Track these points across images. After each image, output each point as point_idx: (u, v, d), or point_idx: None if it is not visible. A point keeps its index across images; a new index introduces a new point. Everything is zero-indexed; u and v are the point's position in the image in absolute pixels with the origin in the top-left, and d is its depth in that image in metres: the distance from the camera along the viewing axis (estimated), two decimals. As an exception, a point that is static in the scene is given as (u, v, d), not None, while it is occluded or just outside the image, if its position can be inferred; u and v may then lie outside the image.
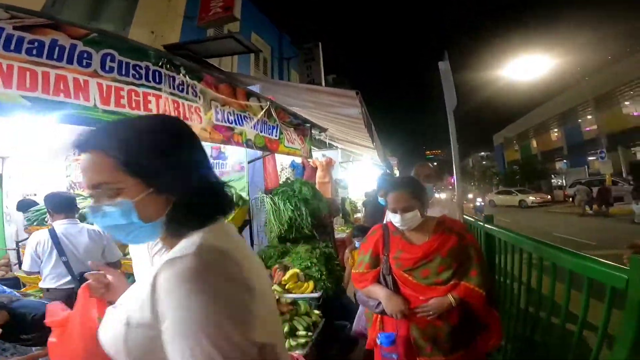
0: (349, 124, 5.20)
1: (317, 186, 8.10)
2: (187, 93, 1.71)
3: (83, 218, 3.67)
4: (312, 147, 8.47)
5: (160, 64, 1.59)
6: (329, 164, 8.13)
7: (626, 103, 23.95)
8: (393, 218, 1.78)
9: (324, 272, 3.15)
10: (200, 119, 1.76)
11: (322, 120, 6.00)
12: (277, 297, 2.80)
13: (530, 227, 12.52)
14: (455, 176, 3.32)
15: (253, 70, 9.39)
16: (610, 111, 23.27)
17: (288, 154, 2.55)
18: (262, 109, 2.19)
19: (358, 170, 9.65)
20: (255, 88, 4.30)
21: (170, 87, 1.61)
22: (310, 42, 10.51)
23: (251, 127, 2.08)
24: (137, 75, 1.47)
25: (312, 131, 3.58)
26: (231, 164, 3.68)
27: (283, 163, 8.53)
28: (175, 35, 6.35)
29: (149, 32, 5.95)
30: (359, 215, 9.87)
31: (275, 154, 7.55)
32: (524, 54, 19.60)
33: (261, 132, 2.20)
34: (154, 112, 1.50)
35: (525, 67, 19.56)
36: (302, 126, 2.89)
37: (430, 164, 3.65)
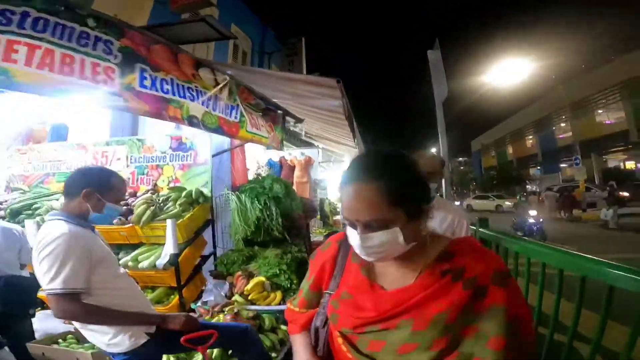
0: (328, 119, 4.84)
1: (294, 186, 7.71)
2: (95, 48, 1.30)
3: (16, 214, 3.15)
4: (286, 140, 8.09)
5: (52, 11, 1.19)
6: (307, 163, 7.75)
7: (599, 111, 24.79)
8: (350, 237, 0.87)
9: (295, 281, 2.76)
10: (111, 80, 1.34)
11: (301, 115, 5.63)
12: (236, 309, 2.39)
13: (508, 232, 12.55)
14: (444, 182, 3.00)
15: (230, 62, 8.93)
16: (583, 119, 23.97)
17: (252, 141, 2.15)
18: (218, 83, 1.78)
19: (339, 170, 9.29)
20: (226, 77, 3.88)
21: (60, 38, 1.20)
22: (295, 37, 10.13)
23: (199, 103, 1.68)
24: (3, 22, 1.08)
25: (287, 120, 3.18)
26: (193, 156, 3.24)
27: (259, 161, 8.09)
28: (143, 19, 5.83)
29: (111, 15, 5.39)
30: (338, 217, 9.54)
31: (246, 148, 7.11)
32: (503, 59, 19.78)
33: (214, 110, 1.79)
34: (23, 63, 1.12)
35: (504, 73, 19.78)
36: (272, 112, 2.49)
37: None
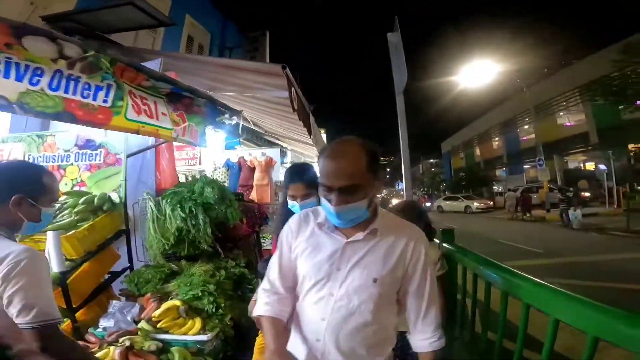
0: (279, 113, 4.38)
1: (254, 189, 7.14)
2: None
3: None
4: (247, 140, 7.53)
5: None
6: (268, 165, 7.22)
7: (560, 114, 25.75)
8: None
9: (224, 305, 2.26)
10: None
11: (254, 111, 5.12)
12: (128, 343, 1.85)
13: (478, 234, 12.53)
14: (404, 174, 2.60)
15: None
16: (546, 121, 24.77)
17: (138, 132, 1.63)
18: (67, 57, 1.27)
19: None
20: (154, 64, 3.31)
21: None
22: (258, 30, 9.57)
23: (16, 80, 1.17)
24: None
25: (221, 112, 2.67)
26: (103, 155, 2.67)
27: (216, 162, 7.48)
28: (65, 5, 5.09)
29: (26, 1, 4.66)
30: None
31: (201, 148, 6.40)
32: (472, 60, 20.21)
33: (55, 89, 1.28)
34: None
35: (473, 74, 20.17)
36: (185, 99, 1.99)
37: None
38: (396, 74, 2.47)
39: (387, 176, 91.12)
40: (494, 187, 28.40)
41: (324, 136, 24.64)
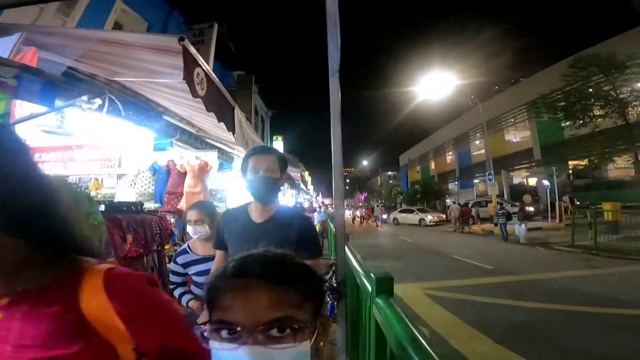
0: (190, 103, 3.58)
1: (185, 197, 6.16)
2: None
3: None
4: (181, 139, 6.55)
5: None
6: (202, 169, 6.30)
7: (508, 130, 27.07)
8: None
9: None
10: None
11: (180, 105, 4.29)
12: None
13: (432, 249, 12.33)
14: (334, 181, 1.92)
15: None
16: (494, 137, 25.86)
17: None
18: None
19: (239, 177, 7.89)
20: (10, 40, 2.42)
21: None
22: (204, 22, 8.63)
23: None
24: None
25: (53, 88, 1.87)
26: None
27: (139, 165, 6.42)
28: None
29: None
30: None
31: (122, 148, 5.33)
32: (431, 72, 20.67)
33: None
34: None
35: (431, 87, 20.63)
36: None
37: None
38: (331, 47, 1.80)
39: (347, 187, 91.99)
40: (447, 201, 29.15)
41: (280, 143, 23.93)
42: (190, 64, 2.30)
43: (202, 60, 2.46)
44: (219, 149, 7.99)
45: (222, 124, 3.17)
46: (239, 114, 3.57)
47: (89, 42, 2.54)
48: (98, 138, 6.48)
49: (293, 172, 11.25)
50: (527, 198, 18.39)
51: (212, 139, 6.90)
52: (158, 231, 2.78)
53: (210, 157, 6.42)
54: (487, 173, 17.70)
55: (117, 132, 5.85)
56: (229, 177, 8.02)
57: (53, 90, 1.95)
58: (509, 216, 13.40)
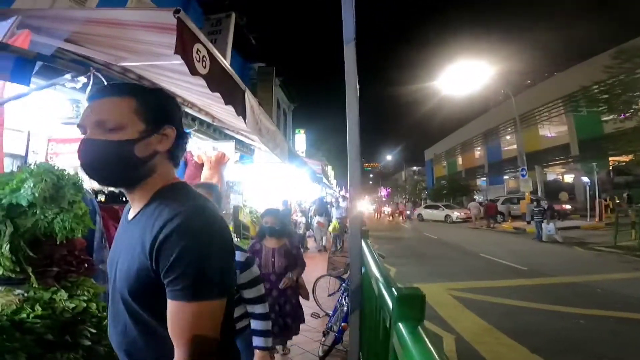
0: (208, 91, 3.38)
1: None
2: None
3: None
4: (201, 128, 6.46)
5: None
6: (219, 161, 6.16)
7: (542, 125, 25.66)
8: None
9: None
10: None
11: (193, 93, 4.14)
12: None
13: (458, 247, 11.78)
14: (350, 167, 1.65)
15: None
16: (527, 132, 24.58)
17: None
18: None
19: (259, 169, 7.74)
20: (6, 24, 2.31)
21: None
22: (222, 11, 8.49)
23: None
24: None
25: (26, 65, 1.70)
26: None
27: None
28: None
29: None
30: (264, 228, 8.02)
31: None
32: (459, 65, 19.75)
33: None
34: None
35: (458, 80, 19.81)
36: None
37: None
38: (345, 12, 1.53)
39: (370, 182, 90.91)
40: (475, 197, 28.06)
41: (303, 137, 23.71)
42: (187, 39, 2.08)
43: (204, 38, 2.25)
44: (238, 141, 7.86)
45: (232, 109, 2.96)
46: (250, 99, 3.34)
47: (81, 22, 2.38)
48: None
49: (313, 164, 10.98)
50: (563, 195, 17.34)
51: (230, 130, 6.76)
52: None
53: (228, 148, 6.27)
54: (519, 169, 16.80)
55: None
56: (247, 169, 7.90)
57: (27, 68, 1.79)
58: (545, 214, 12.59)
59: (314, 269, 7.39)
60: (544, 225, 12.18)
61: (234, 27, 9.00)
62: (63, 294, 1.62)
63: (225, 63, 2.66)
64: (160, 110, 0.86)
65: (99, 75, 2.25)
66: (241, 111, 3.10)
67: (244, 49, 12.09)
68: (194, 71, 2.09)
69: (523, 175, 16.46)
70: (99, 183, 0.89)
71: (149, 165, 0.83)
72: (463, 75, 19.52)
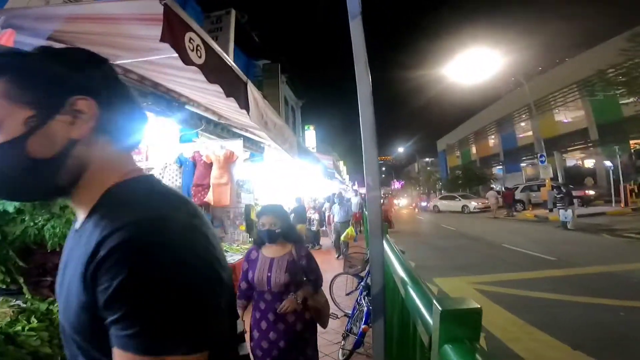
0: (210, 87, 3.20)
1: (211, 188, 5.92)
2: None
3: None
4: (206, 129, 6.30)
5: None
6: (228, 160, 6.00)
7: (557, 110, 24.92)
8: None
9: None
10: None
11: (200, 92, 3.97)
12: None
13: (479, 238, 11.39)
14: (365, 153, 1.39)
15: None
16: (543, 118, 23.89)
17: None
18: None
19: (270, 167, 7.54)
20: None
21: None
22: (222, 8, 8.31)
23: None
24: None
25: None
26: None
27: (166, 160, 6.25)
28: None
29: None
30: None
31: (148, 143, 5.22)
32: (468, 53, 19.22)
33: None
34: None
35: (468, 68, 19.29)
36: None
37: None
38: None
39: (383, 175, 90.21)
40: (492, 186, 27.36)
41: (312, 133, 23.45)
42: (177, 26, 1.89)
43: (198, 27, 2.05)
44: (247, 139, 7.68)
45: (235, 103, 2.76)
46: (254, 92, 3.13)
47: (64, 20, 2.20)
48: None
49: (324, 159, 10.72)
50: (589, 181, 16.69)
51: (237, 128, 6.58)
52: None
53: (236, 146, 6.09)
54: (538, 155, 16.20)
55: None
56: (257, 167, 7.72)
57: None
58: (564, 200, 12.06)
59: (330, 267, 7.20)
60: (561, 211, 11.70)
61: (236, 25, 8.83)
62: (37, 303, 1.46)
63: (223, 54, 2.46)
64: (55, 79, 0.58)
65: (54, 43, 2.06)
66: (244, 104, 2.90)
67: (247, 46, 11.94)
68: (187, 61, 1.89)
69: (542, 162, 15.85)
70: (9, 199, 0.67)
71: (69, 162, 0.58)
72: (473, 63, 19.14)
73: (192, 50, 1.99)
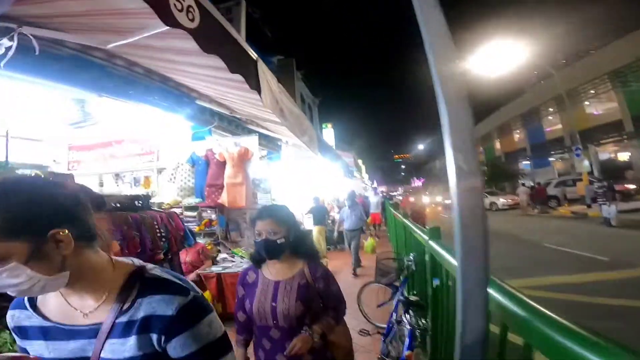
0: (210, 75, 2.79)
1: (226, 188, 5.52)
2: None
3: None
4: (216, 124, 5.91)
5: None
6: (243, 157, 5.57)
7: (586, 103, 23.64)
8: None
9: None
10: None
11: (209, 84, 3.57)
12: None
13: (515, 237, 10.57)
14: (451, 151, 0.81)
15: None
16: (572, 110, 22.58)
17: None
18: None
19: (288, 165, 7.07)
20: None
21: None
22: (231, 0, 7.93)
23: None
24: None
25: None
26: None
27: (178, 157, 5.89)
28: None
29: None
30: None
31: (153, 140, 4.96)
32: (491, 46, 18.25)
33: None
34: None
35: (490, 62, 18.42)
36: None
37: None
38: (425, 27, 0.74)
39: (402, 173, 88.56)
40: (523, 182, 26.07)
41: (331, 132, 22.92)
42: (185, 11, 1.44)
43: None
44: (263, 136, 7.23)
45: (250, 95, 2.31)
46: (266, 73, 2.66)
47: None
48: (135, 130, 6.06)
49: (345, 156, 10.17)
50: (629, 174, 15.44)
51: (252, 124, 6.14)
52: (163, 233, 1.95)
53: (251, 143, 5.66)
54: (574, 148, 15.14)
55: (152, 121, 5.33)
56: (275, 166, 7.27)
57: None
58: (607, 196, 11.07)
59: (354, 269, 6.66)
60: (603, 207, 10.75)
61: (248, 20, 8.42)
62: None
63: (226, 21, 1.99)
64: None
65: (29, 36, 1.64)
66: (255, 84, 2.43)
67: (260, 42, 11.55)
68: (172, 21, 1.42)
69: (578, 155, 14.79)
70: None
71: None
72: (494, 56, 18.21)
73: (181, 11, 1.53)
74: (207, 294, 4.17)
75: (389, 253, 3.56)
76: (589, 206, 14.10)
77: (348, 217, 7.48)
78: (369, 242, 8.32)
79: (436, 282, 2.10)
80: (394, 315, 2.95)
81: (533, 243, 8.86)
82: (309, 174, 8.37)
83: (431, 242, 2.21)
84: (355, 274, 6.66)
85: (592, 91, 23.05)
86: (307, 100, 18.76)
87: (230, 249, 5.06)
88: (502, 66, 19.21)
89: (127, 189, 6.40)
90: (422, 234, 2.69)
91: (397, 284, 3.24)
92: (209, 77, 3.25)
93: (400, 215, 5.10)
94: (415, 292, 2.92)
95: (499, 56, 18.21)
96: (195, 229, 5.13)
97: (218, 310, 4.44)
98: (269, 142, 7.62)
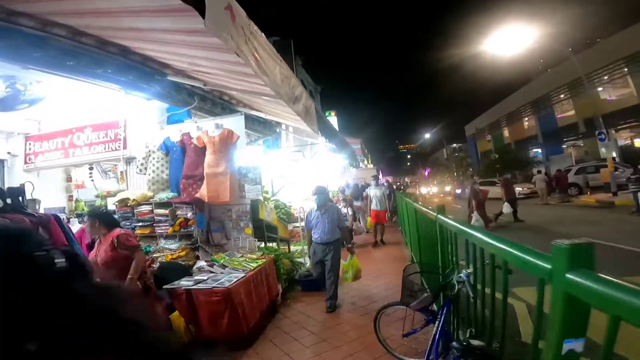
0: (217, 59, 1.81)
1: (206, 179, 4.56)
2: None
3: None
4: (197, 106, 4.93)
5: None
6: (226, 141, 4.57)
7: (600, 88, 22.50)
8: None
9: None
10: None
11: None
12: None
13: (541, 229, 9.52)
14: None
15: None
16: (586, 96, 21.36)
17: None
18: None
19: (287, 154, 6.06)
20: None
21: None
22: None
23: None
24: None
25: None
26: None
27: (148, 144, 4.91)
28: None
29: None
30: (296, 226, 6.38)
31: (131, 123, 4.35)
32: (500, 32, 17.29)
33: None
34: None
35: (500, 48, 17.47)
36: None
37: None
38: None
39: (408, 163, 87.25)
40: (540, 170, 24.81)
41: (334, 120, 21.84)
42: None
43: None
44: (257, 122, 6.23)
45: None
46: (239, 9, 1.67)
47: None
48: (97, 115, 5.10)
49: (352, 142, 9.13)
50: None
51: (237, 102, 5.15)
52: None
53: (236, 124, 4.67)
54: (597, 132, 13.98)
55: (117, 102, 4.35)
56: (272, 155, 6.30)
57: None
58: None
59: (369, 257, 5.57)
60: (639, 194, 9.68)
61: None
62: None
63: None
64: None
65: None
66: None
67: (255, 23, 10.52)
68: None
69: (602, 140, 13.63)
70: None
71: None
72: (504, 42, 17.17)
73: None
74: (175, 316, 3.21)
75: (415, 266, 2.56)
76: (614, 194, 13.00)
77: (318, 225, 4.44)
78: (348, 262, 4.57)
79: (575, 344, 1.02)
80: (433, 350, 1.99)
81: (565, 236, 7.79)
82: (310, 163, 7.39)
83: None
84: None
85: (608, 76, 22.02)
86: (309, 87, 17.77)
87: (211, 255, 4.10)
88: (513, 52, 18.27)
89: (112, 185, 5.52)
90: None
91: (432, 307, 2.27)
92: (178, 42, 2.39)
93: (433, 213, 3.21)
94: (472, 329, 1.90)
95: (510, 43, 17.26)
96: (168, 230, 4.18)
97: (190, 336, 3.49)
98: (265, 128, 6.62)
